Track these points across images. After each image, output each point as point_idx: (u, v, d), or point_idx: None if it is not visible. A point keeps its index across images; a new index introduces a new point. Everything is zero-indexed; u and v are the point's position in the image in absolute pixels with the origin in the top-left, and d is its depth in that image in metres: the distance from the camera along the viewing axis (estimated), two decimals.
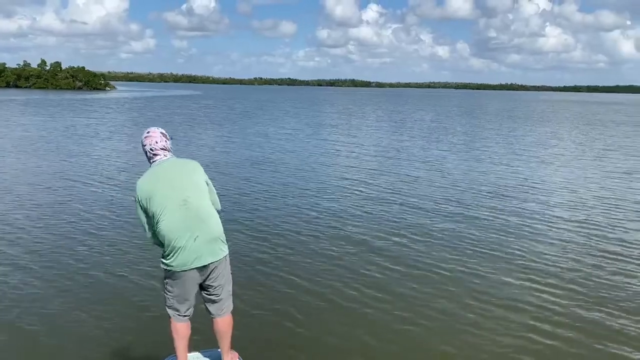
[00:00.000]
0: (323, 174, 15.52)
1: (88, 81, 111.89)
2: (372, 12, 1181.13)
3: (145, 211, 4.06)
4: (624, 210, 11.51)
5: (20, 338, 5.49)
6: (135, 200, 4.12)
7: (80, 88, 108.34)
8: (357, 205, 11.49)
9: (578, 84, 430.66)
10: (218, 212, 4.24)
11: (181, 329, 4.25)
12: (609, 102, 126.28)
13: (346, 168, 16.75)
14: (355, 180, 14.58)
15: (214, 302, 4.28)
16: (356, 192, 13.02)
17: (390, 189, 13.43)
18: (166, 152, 4.18)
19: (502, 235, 9.34)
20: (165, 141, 4.19)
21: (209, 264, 4.07)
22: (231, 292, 4.36)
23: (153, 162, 4.19)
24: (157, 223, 4.00)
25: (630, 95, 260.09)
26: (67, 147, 20.13)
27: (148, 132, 4.19)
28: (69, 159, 17.36)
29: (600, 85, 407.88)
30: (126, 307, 6.20)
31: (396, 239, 9.07)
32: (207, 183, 4.25)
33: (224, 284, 4.27)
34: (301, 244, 8.66)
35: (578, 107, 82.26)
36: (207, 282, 4.20)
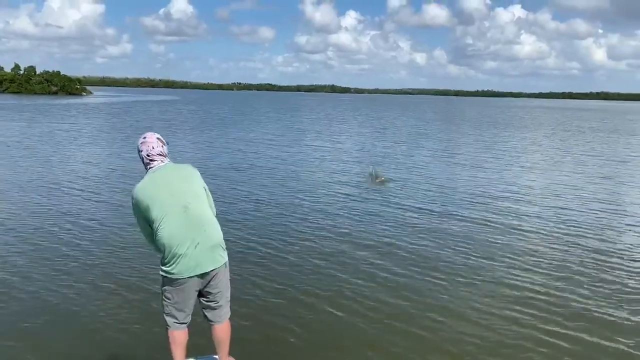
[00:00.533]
0: (309, 179, 15.41)
1: (63, 86, 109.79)
2: (350, 18, 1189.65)
3: (144, 218, 3.98)
4: (609, 214, 11.66)
5: (11, 349, 5.26)
6: (133, 208, 4.03)
7: (55, 93, 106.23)
8: (345, 209, 11.42)
9: (553, 91, 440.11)
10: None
11: (179, 337, 4.18)
12: (584, 108, 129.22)
13: (330, 174, 16.65)
14: (342, 184, 14.51)
15: (212, 309, 4.24)
16: (343, 196, 12.94)
17: (377, 192, 13.40)
18: (163, 158, 4.11)
19: (492, 240, 9.35)
20: (162, 146, 4.12)
21: (209, 271, 4.01)
22: (229, 299, 4.32)
23: (150, 168, 4.10)
24: (157, 230, 3.92)
25: (603, 102, 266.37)
26: (45, 154, 19.65)
27: (144, 138, 4.11)
28: (48, 165, 16.94)
29: (574, 91, 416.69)
30: (118, 315, 5.98)
31: (387, 240, 9.03)
32: (204, 189, 4.20)
33: (223, 290, 4.22)
34: (293, 250, 8.52)
35: (555, 114, 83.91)
36: (206, 289, 4.15)
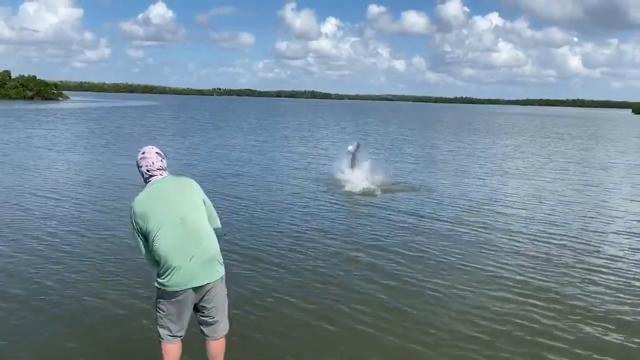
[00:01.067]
0: (297, 186, 15.23)
1: (40, 91, 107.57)
2: (330, 25, 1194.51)
3: (141, 230, 3.95)
4: (595, 222, 11.75)
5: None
6: (131, 220, 3.99)
7: (31, 98, 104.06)
8: (334, 215, 11.30)
9: (530, 98, 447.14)
10: (219, 229, 4.20)
11: (171, 350, 4.13)
12: (561, 115, 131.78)
13: (316, 180, 16.50)
14: (330, 192, 14.39)
15: (208, 324, 4.20)
16: (332, 203, 12.81)
17: (366, 198, 13.31)
18: (162, 172, 4.10)
19: (483, 249, 9.29)
20: (161, 160, 4.12)
21: (204, 285, 3.97)
22: (226, 314, 4.28)
23: (149, 181, 4.09)
24: (153, 242, 3.89)
25: (578, 109, 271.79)
26: (23, 160, 19.14)
27: (143, 154, 4.10)
28: (27, 172, 16.47)
29: (551, 99, 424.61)
30: (104, 327, 5.72)
31: (380, 245, 8.94)
32: (204, 201, 4.17)
33: (219, 305, 4.17)
34: (285, 258, 8.33)
35: (534, 121, 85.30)
36: (202, 303, 4.10)
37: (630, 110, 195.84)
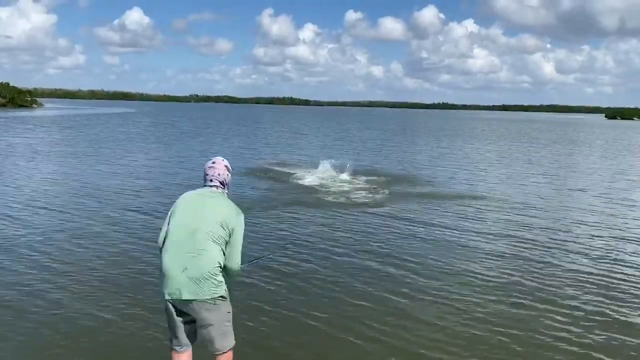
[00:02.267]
0: (288, 194, 14.99)
1: (13, 98, 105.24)
2: (308, 31, 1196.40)
3: (168, 217, 4.10)
4: (584, 226, 11.82)
5: None
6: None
7: (4, 105, 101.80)
8: (330, 223, 11.09)
9: (505, 103, 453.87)
10: (234, 270, 4.02)
11: (178, 358, 4.13)
12: (538, 120, 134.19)
13: (305, 187, 16.29)
14: (316, 198, 14.20)
15: (205, 339, 4.12)
16: (329, 212, 12.61)
17: (358, 204, 13.15)
18: (221, 186, 4.17)
19: (479, 255, 9.22)
20: (227, 175, 4.22)
21: (191, 301, 3.88)
22: (228, 332, 4.13)
23: (205, 185, 4.21)
24: (165, 239, 4.00)
25: (553, 115, 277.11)
26: (6, 170, 18.51)
27: (213, 163, 4.22)
28: (7, 182, 15.90)
29: (526, 104, 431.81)
30: (101, 337, 5.38)
31: (380, 258, 8.71)
32: (230, 232, 3.97)
33: (215, 325, 4.01)
34: (292, 268, 8.08)
35: (512, 126, 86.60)
36: (194, 320, 4.06)
37: (603, 115, 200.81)
